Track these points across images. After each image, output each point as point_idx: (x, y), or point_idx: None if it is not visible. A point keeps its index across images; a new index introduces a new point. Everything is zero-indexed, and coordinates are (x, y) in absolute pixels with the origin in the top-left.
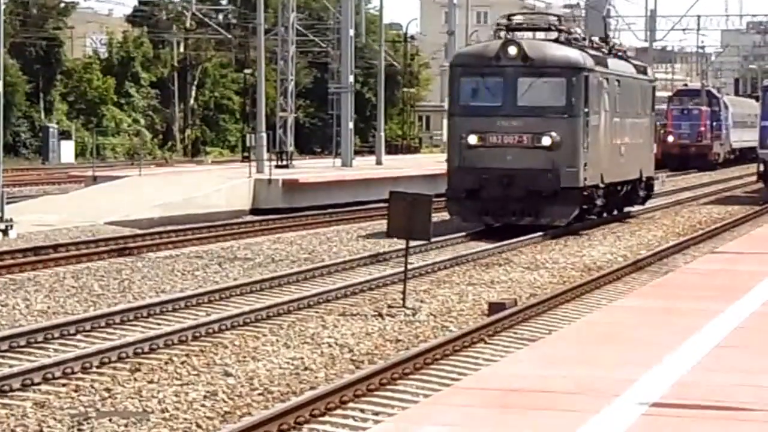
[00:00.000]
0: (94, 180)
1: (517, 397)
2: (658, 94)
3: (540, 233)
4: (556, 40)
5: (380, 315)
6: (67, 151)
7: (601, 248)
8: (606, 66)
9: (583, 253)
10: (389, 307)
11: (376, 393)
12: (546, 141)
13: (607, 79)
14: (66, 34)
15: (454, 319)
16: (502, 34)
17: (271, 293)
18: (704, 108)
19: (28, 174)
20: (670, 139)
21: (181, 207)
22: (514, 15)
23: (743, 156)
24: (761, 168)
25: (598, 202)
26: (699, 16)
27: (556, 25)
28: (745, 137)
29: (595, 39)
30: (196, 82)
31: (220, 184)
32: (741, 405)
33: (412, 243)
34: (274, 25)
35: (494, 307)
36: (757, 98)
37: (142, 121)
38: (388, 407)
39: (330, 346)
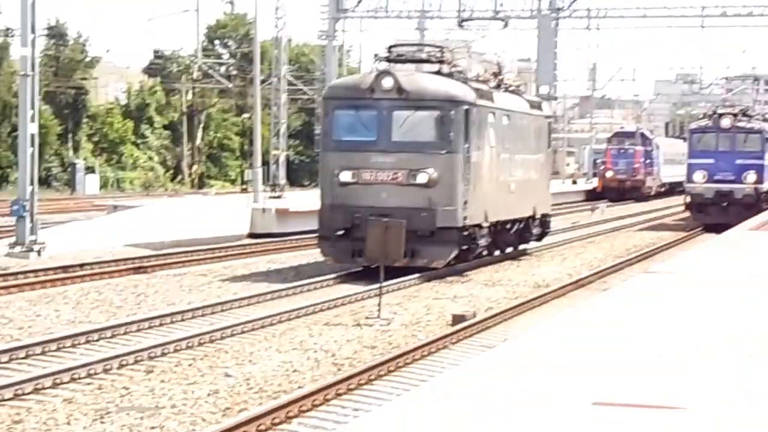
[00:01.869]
0: (115, 208)
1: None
2: (599, 135)
3: (416, 275)
4: (438, 72)
5: (359, 325)
6: (91, 183)
7: (549, 268)
8: (492, 100)
9: (533, 272)
10: (366, 318)
11: (355, 392)
12: (422, 178)
13: (493, 114)
14: (91, 84)
15: (423, 328)
16: (382, 65)
17: (266, 305)
18: (638, 147)
19: (59, 203)
20: (609, 174)
21: (188, 231)
22: (394, 46)
23: (672, 189)
24: (688, 199)
25: (481, 241)
26: (634, 69)
27: (438, 57)
28: (674, 173)
29: (483, 72)
30: (202, 125)
31: (222, 212)
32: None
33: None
34: (269, 76)
35: (457, 318)
36: (684, 139)
37: (156, 158)
38: (366, 404)
39: (316, 351)
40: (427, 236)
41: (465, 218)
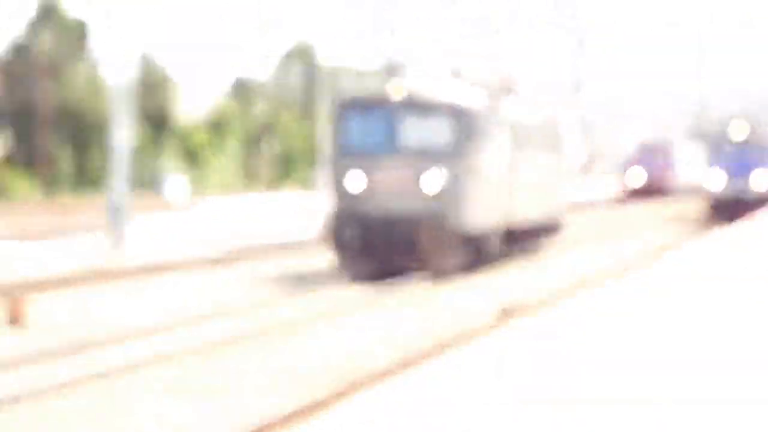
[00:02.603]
0: (196, 209)
1: None
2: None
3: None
4: (446, 79)
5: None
6: (177, 188)
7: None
8: (502, 105)
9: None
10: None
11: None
12: (431, 185)
13: (503, 119)
14: (175, 102)
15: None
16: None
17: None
18: (663, 152)
19: (148, 206)
20: (637, 173)
21: (258, 232)
22: None
23: (686, 187)
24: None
25: (491, 247)
26: None
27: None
28: (688, 173)
29: (492, 78)
30: (273, 134)
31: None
32: None
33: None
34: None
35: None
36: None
37: (234, 166)
38: None
39: None
40: (436, 243)
41: (475, 224)
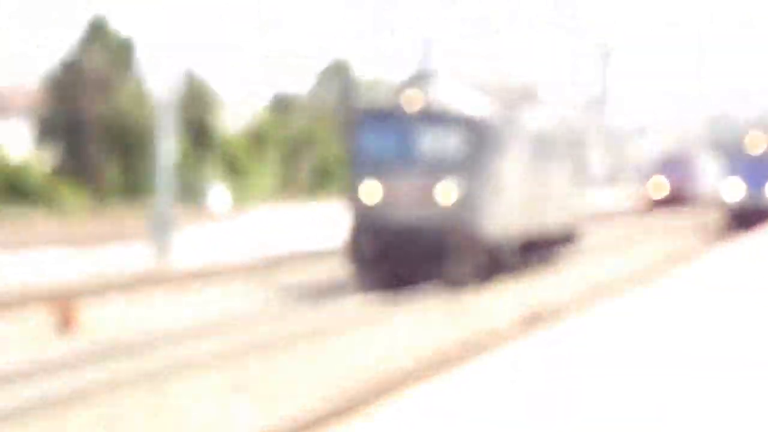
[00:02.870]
0: (238, 219)
1: None
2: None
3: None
4: (463, 89)
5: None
6: (219, 198)
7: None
8: (520, 113)
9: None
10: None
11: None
12: (446, 195)
13: (520, 129)
14: (217, 116)
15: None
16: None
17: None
18: (685, 163)
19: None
20: (661, 184)
21: (297, 241)
22: None
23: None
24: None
25: (508, 257)
26: None
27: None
28: (703, 183)
29: (512, 87)
30: (311, 147)
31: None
32: None
33: None
34: None
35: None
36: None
37: (273, 177)
38: None
39: None
40: (453, 254)
41: (491, 234)
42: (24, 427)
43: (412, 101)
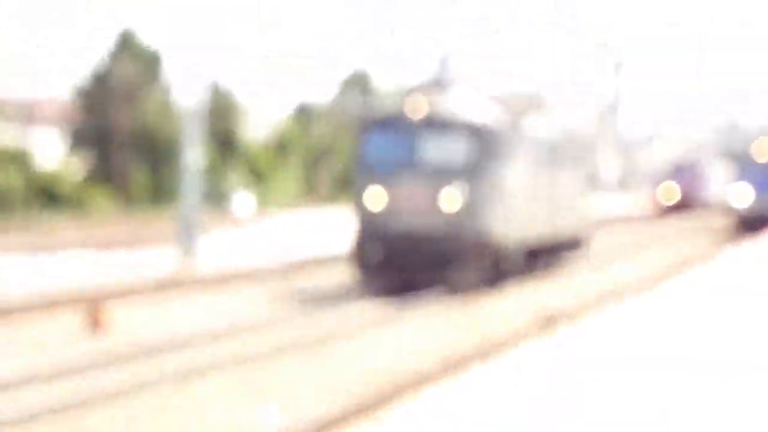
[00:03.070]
0: (262, 224)
1: None
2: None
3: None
4: (468, 94)
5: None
6: (244, 204)
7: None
8: (526, 120)
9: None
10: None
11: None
12: (450, 202)
13: (526, 135)
14: (241, 125)
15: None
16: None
17: None
18: (694, 169)
19: (216, 220)
20: (671, 187)
21: (319, 246)
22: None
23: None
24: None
25: (514, 263)
26: None
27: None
28: (712, 188)
29: (518, 94)
30: (332, 155)
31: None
32: None
33: None
34: None
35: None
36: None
37: (295, 183)
38: None
39: None
40: (457, 260)
41: (497, 241)
42: (54, 424)
43: (417, 108)
